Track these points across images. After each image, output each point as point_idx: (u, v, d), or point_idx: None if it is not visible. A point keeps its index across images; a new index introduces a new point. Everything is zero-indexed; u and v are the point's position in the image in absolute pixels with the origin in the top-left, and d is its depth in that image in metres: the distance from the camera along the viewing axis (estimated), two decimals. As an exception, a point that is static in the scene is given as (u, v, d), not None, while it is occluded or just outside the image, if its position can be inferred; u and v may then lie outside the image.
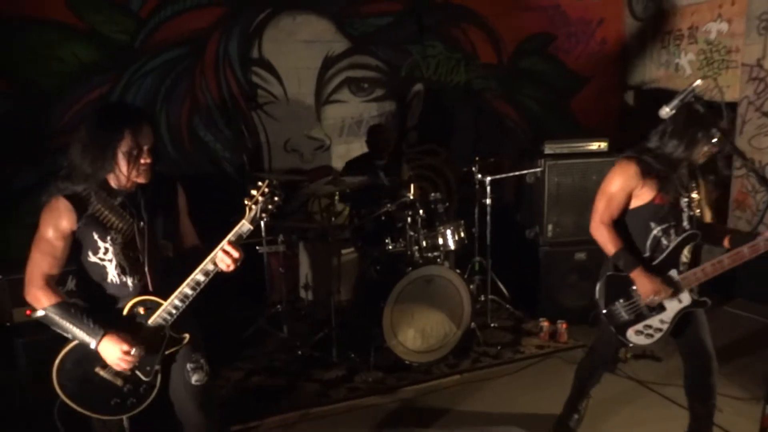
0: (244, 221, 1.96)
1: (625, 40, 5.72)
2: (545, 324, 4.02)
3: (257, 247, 4.04)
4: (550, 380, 3.45)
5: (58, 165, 1.96)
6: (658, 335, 2.44)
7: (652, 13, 5.46)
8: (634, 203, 2.40)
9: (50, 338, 1.97)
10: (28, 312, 2.92)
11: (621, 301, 2.44)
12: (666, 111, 2.09)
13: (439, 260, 3.73)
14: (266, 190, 1.95)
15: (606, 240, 2.41)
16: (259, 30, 4.50)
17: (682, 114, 2.21)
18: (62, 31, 3.92)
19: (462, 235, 3.86)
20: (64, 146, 1.95)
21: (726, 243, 2.39)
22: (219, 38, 4.38)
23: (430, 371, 3.59)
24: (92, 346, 1.89)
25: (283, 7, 4.53)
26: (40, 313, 1.92)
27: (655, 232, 2.38)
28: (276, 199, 1.97)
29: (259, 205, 1.94)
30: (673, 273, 2.38)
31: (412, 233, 3.68)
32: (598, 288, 2.49)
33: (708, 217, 2.50)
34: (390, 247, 3.76)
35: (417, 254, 3.68)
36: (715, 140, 2.23)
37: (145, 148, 1.93)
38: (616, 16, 5.67)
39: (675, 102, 2.06)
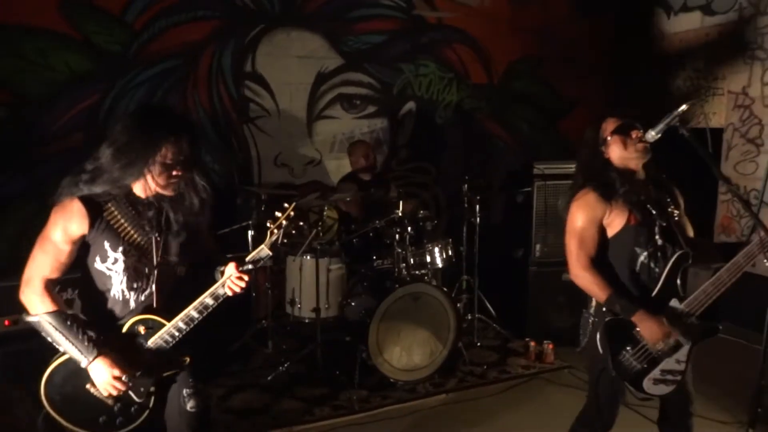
0: (263, 246, 1.87)
1: (613, 65, 5.81)
2: (532, 344, 4.01)
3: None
4: (535, 401, 3.43)
5: (43, 174, 1.89)
6: (678, 378, 2.06)
7: (640, 39, 5.56)
8: (611, 232, 2.11)
9: (30, 349, 1.89)
10: (6, 322, 2.86)
11: (629, 348, 2.04)
12: (652, 134, 2.09)
13: (426, 278, 3.72)
14: (292, 213, 1.86)
15: (592, 285, 2.07)
16: (253, 44, 4.52)
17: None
18: (55, 39, 3.90)
19: (450, 253, 3.86)
20: (53, 155, 1.89)
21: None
22: (213, 51, 4.39)
23: (415, 390, 3.56)
24: (83, 364, 1.79)
25: (278, 23, 4.56)
26: (33, 318, 1.81)
27: (641, 258, 2.07)
28: (301, 223, 1.89)
29: (283, 229, 1.85)
30: (675, 303, 2.06)
31: (399, 250, 3.68)
32: (599, 340, 2.07)
33: (691, 232, 2.21)
34: (377, 263, 3.75)
35: (404, 271, 3.67)
36: (636, 133, 2.08)
37: (180, 160, 1.82)
38: (606, 40, 5.76)
39: (660, 125, 2.05)
